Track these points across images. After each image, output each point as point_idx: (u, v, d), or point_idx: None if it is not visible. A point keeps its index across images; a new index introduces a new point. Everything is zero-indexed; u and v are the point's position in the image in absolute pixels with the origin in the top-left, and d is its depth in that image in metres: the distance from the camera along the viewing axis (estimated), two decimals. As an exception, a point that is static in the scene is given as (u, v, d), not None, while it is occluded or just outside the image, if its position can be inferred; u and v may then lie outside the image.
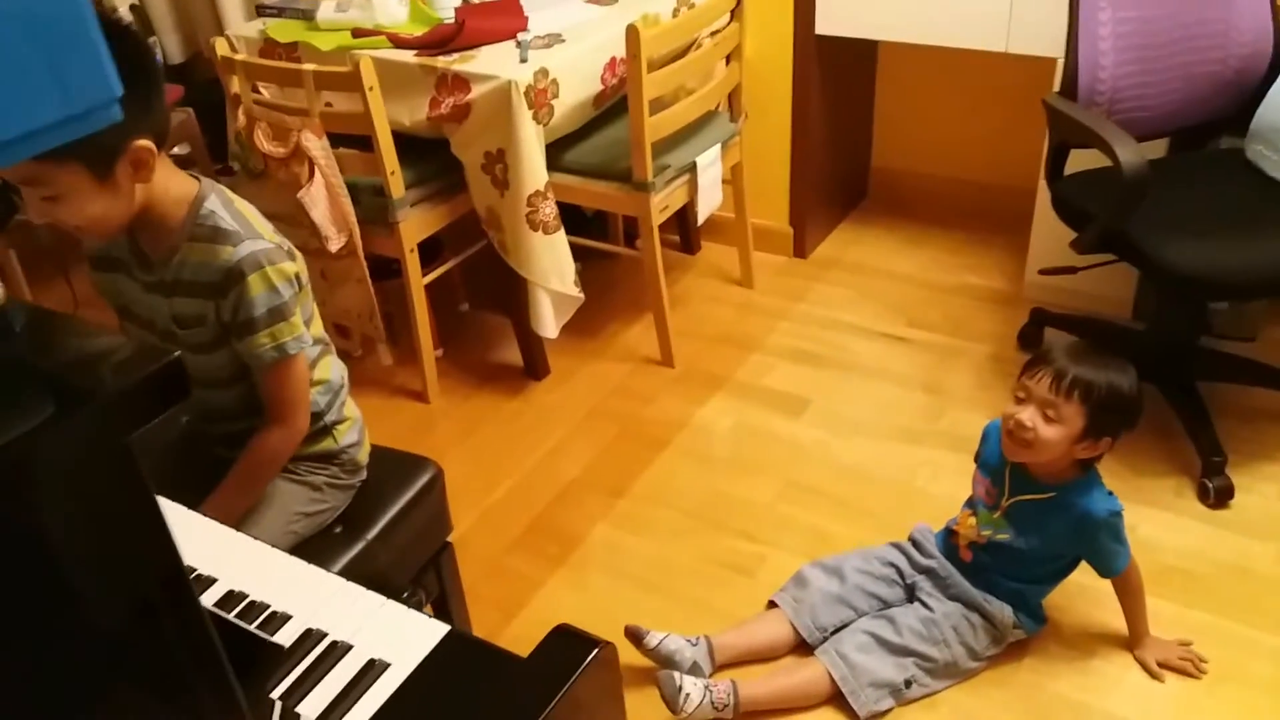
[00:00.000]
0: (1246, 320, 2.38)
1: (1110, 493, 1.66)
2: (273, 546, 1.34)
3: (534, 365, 2.59)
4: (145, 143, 1.19)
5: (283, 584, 1.00)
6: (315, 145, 2.24)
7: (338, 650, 0.90)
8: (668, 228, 3.07)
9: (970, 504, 1.79)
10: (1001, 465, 1.69)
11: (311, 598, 0.98)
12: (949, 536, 1.81)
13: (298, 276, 1.35)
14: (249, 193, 2.46)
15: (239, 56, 2.33)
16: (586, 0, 2.57)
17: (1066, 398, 1.57)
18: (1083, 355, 1.60)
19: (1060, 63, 2.07)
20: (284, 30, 2.49)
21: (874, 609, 1.78)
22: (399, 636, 0.91)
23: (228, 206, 1.31)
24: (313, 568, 1.05)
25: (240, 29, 2.59)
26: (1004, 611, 1.72)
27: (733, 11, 2.50)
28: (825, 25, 2.65)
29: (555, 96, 2.27)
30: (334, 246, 2.34)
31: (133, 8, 3.41)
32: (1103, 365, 1.59)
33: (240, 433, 1.38)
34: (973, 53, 2.50)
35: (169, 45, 3.48)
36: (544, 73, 2.22)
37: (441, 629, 0.91)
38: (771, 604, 1.85)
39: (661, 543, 2.08)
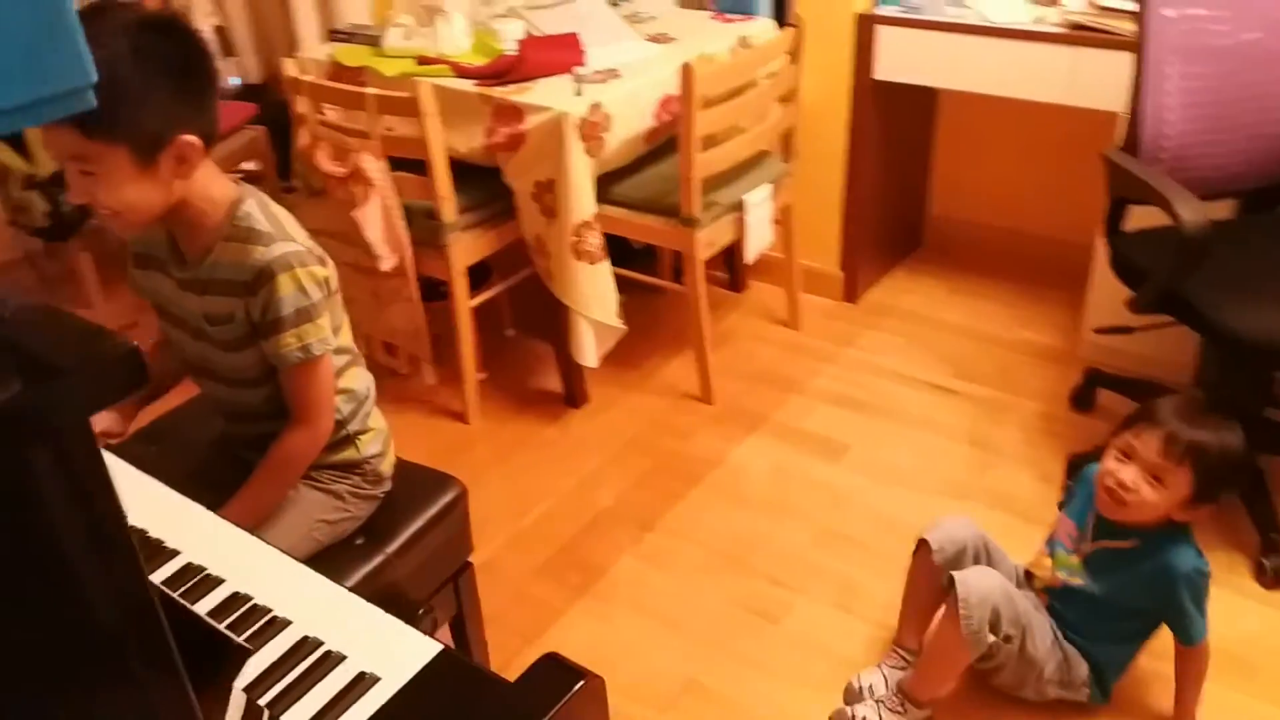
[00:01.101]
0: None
1: (1200, 552, 1.59)
2: (293, 552, 1.36)
3: (573, 393, 2.59)
4: (191, 138, 1.23)
5: (289, 590, 1.00)
6: (374, 167, 2.28)
7: (331, 660, 0.90)
8: (715, 265, 3.07)
9: (1049, 544, 1.73)
10: (1087, 509, 1.64)
11: (314, 606, 0.98)
12: (1024, 579, 1.76)
13: (327, 281, 1.37)
14: (308, 210, 2.54)
15: (306, 78, 2.39)
16: (647, 38, 2.60)
17: (1178, 464, 1.51)
18: (1195, 417, 1.54)
19: (1121, 117, 2.03)
20: (352, 55, 2.56)
21: None
22: (393, 651, 0.91)
23: (264, 209, 1.34)
24: (322, 578, 1.05)
25: (311, 52, 2.67)
26: (1081, 663, 1.66)
27: (790, 54, 2.51)
28: (883, 71, 2.65)
29: (607, 130, 2.30)
30: (386, 266, 2.38)
31: (216, 29, 3.54)
32: (1215, 428, 1.53)
33: (268, 435, 1.40)
34: (1034, 104, 2.47)
35: (248, 65, 3.60)
36: (597, 107, 2.25)
37: (435, 647, 0.90)
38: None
39: (686, 580, 2.06)
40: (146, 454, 1.57)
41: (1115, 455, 1.58)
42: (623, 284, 2.74)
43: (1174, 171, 1.99)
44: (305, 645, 0.92)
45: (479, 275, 2.64)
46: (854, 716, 1.67)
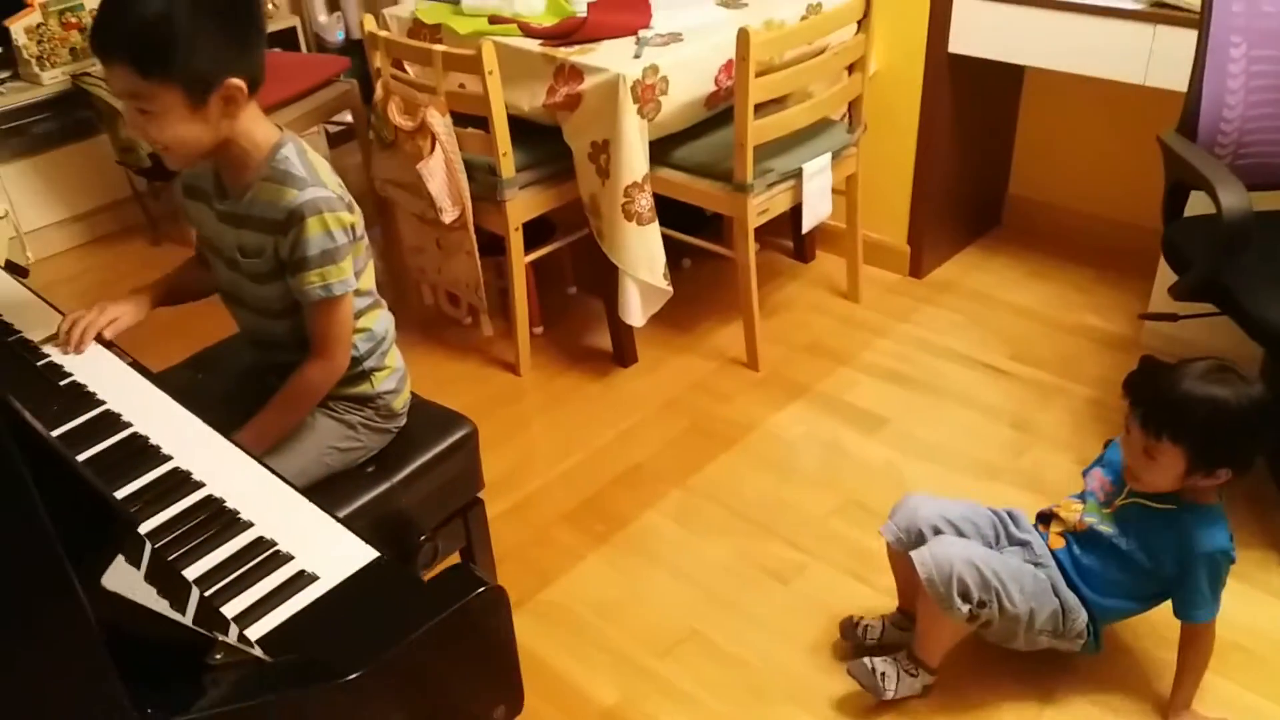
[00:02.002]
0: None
1: (1232, 536, 1.56)
2: (305, 473, 1.49)
3: (622, 352, 2.67)
4: (238, 82, 1.34)
5: (260, 499, 1.11)
6: (439, 122, 2.39)
7: (279, 559, 1.00)
8: (781, 233, 3.09)
9: (1080, 496, 1.73)
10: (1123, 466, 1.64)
11: (282, 516, 1.09)
12: (1041, 522, 1.75)
13: (353, 227, 1.46)
14: (381, 160, 2.68)
15: (383, 33, 2.51)
16: (717, 3, 2.62)
17: (1158, 439, 1.51)
18: (1179, 382, 1.50)
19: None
20: (432, 13, 2.67)
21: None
22: (335, 556, 1.00)
23: (301, 156, 1.45)
24: (300, 497, 1.14)
25: (395, 10, 2.78)
26: (1080, 613, 1.65)
27: (860, 22, 2.49)
28: (959, 44, 2.60)
29: (664, 93, 2.34)
30: (447, 218, 2.49)
31: (322, -15, 3.71)
32: (1207, 389, 1.48)
33: (290, 365, 1.52)
34: (1121, 85, 2.38)
35: (351, 21, 3.77)
36: (654, 69, 2.29)
37: (371, 554, 0.99)
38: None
39: (704, 537, 2.12)
40: (192, 379, 1.73)
41: (1124, 428, 1.57)
42: (689, 249, 2.80)
43: (1235, 157, 1.92)
44: (260, 545, 1.02)
45: (542, 232, 2.73)
46: (873, 668, 1.70)
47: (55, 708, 0.65)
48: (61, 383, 1.39)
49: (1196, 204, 2.02)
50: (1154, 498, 1.58)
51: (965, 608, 1.57)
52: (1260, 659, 1.76)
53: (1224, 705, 1.68)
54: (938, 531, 1.69)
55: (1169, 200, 2.03)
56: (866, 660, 1.71)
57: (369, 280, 1.56)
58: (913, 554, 1.61)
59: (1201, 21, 1.86)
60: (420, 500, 1.61)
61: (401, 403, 1.64)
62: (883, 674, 1.69)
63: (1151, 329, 2.43)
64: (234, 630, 0.87)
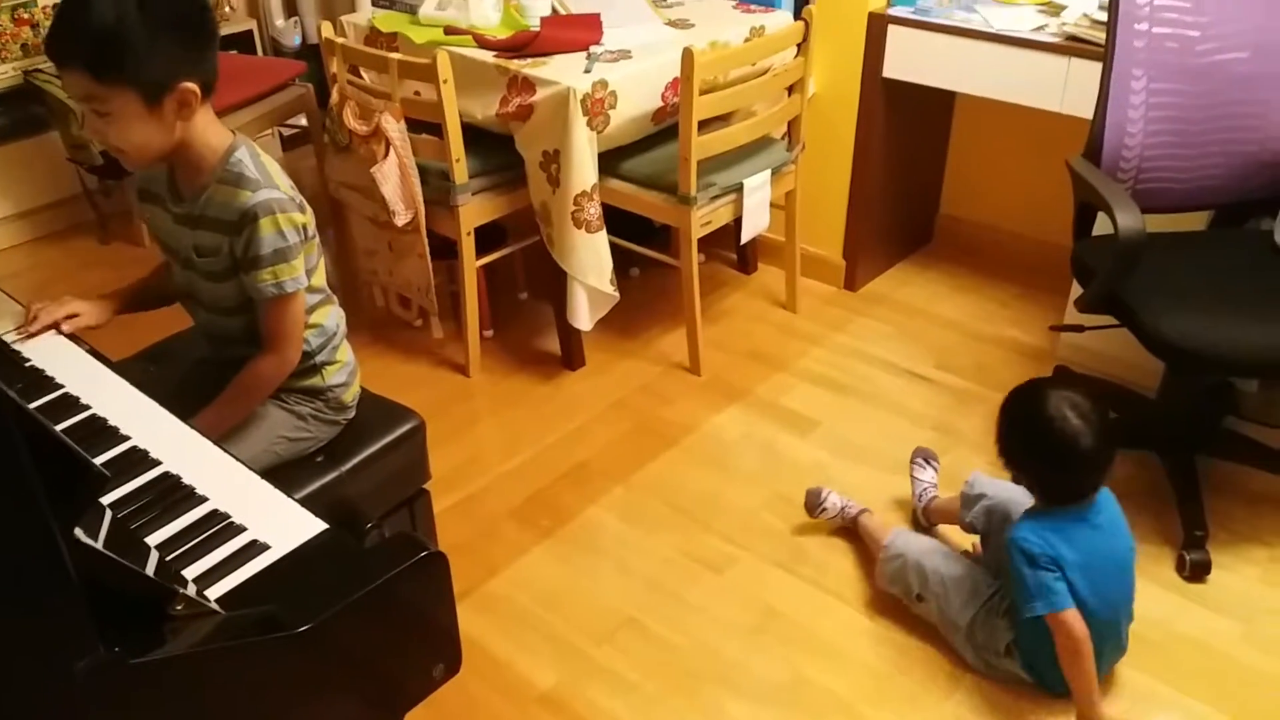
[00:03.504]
0: (1277, 408, 2.34)
1: (1046, 530, 1.67)
2: (254, 461, 1.55)
3: (570, 356, 2.76)
4: (191, 85, 1.41)
5: (216, 477, 1.18)
6: (393, 127, 2.47)
7: (233, 529, 1.08)
8: (725, 245, 3.21)
9: None
10: None
11: (234, 491, 1.16)
12: None
13: (305, 227, 1.54)
14: (335, 163, 2.75)
15: (339, 40, 2.59)
16: (667, 23, 2.73)
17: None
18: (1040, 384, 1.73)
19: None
20: (388, 21, 2.75)
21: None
22: (287, 527, 1.08)
23: (254, 159, 1.52)
24: (253, 475, 1.22)
25: (352, 17, 2.86)
26: (1001, 632, 1.77)
27: (799, 46, 2.61)
28: (893, 69, 2.74)
29: (612, 107, 2.44)
30: (400, 221, 2.56)
31: (279, -10, 3.76)
32: (1039, 396, 1.69)
33: (243, 359, 1.59)
34: (1041, 112, 2.53)
35: (308, 26, 3.83)
36: (603, 84, 2.40)
37: (319, 525, 1.07)
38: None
39: (645, 531, 2.21)
40: (145, 371, 1.79)
41: None
42: (635, 258, 2.90)
43: (1138, 182, 2.07)
44: (215, 516, 1.10)
45: (493, 237, 2.82)
46: (823, 496, 2.14)
47: (27, 637, 0.73)
48: (24, 365, 1.45)
49: (1105, 223, 2.16)
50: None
51: (896, 589, 1.84)
52: (1153, 644, 1.89)
53: (1131, 693, 1.80)
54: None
55: (1078, 220, 2.18)
56: (825, 489, 2.16)
57: (320, 278, 1.63)
58: (896, 529, 1.97)
59: (1106, 55, 2.00)
60: (368, 490, 1.68)
61: (351, 395, 1.71)
62: (830, 500, 2.13)
63: (1065, 340, 2.58)
64: (193, 589, 0.95)
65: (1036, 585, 1.65)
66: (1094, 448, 1.62)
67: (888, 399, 2.60)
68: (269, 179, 1.50)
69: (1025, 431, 1.69)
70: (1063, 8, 2.49)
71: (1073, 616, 1.64)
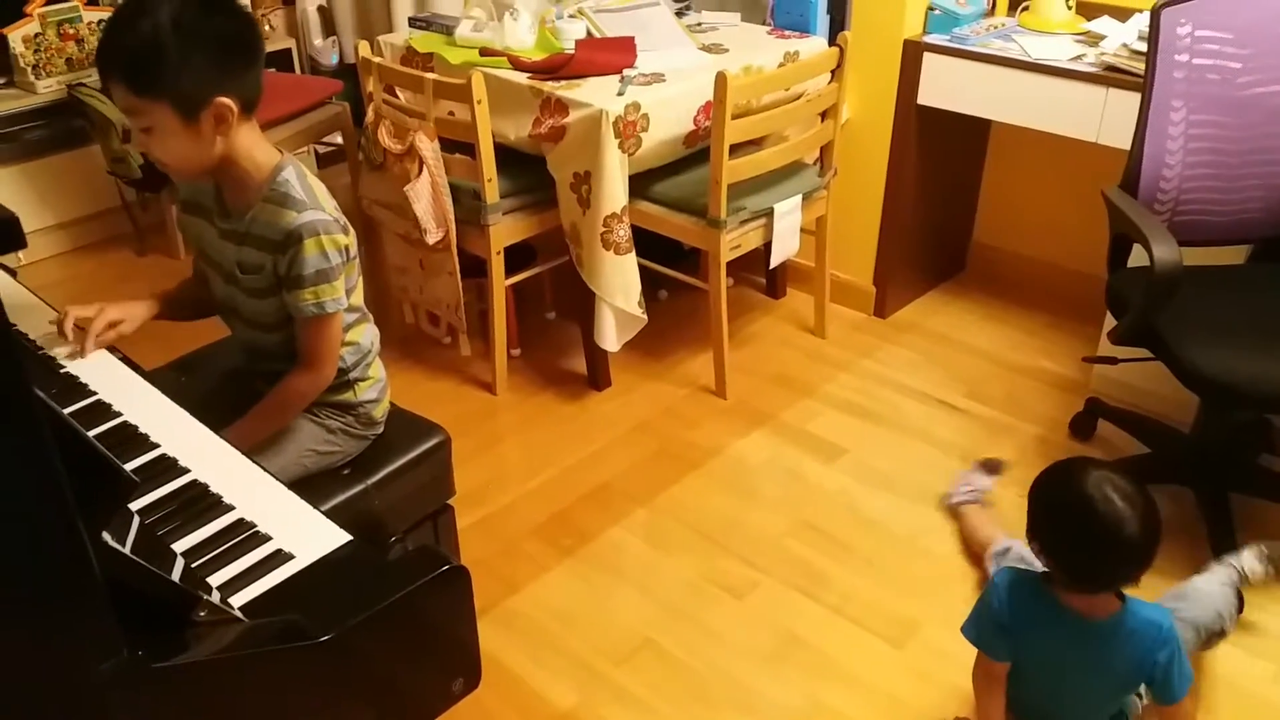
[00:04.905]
0: (1314, 445, 2.29)
1: (1013, 570, 1.59)
2: (283, 472, 1.56)
3: (596, 376, 2.76)
4: (227, 100, 1.43)
5: (243, 487, 1.19)
6: (427, 147, 2.49)
7: (258, 539, 1.08)
8: (755, 270, 3.20)
9: None
10: None
11: (262, 502, 1.17)
12: None
13: (347, 249, 1.55)
14: (370, 181, 2.78)
15: (376, 59, 2.62)
16: (701, 48, 2.75)
17: None
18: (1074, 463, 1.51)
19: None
20: (425, 42, 2.78)
21: None
22: (311, 538, 1.08)
23: (301, 179, 1.53)
24: (280, 485, 1.22)
25: (389, 37, 2.90)
26: None
27: (834, 72, 2.62)
28: (928, 96, 2.73)
29: (644, 130, 2.45)
30: (431, 240, 2.58)
31: (319, 9, 3.83)
32: (1078, 479, 1.45)
33: (279, 373, 1.60)
34: (1077, 142, 2.52)
35: (346, 45, 3.89)
36: (636, 107, 2.41)
37: (344, 536, 1.07)
38: None
39: (667, 554, 2.20)
40: (176, 380, 1.81)
41: None
42: (664, 281, 2.91)
43: (1173, 214, 2.04)
44: (241, 525, 1.10)
45: (523, 257, 2.83)
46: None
47: (54, 638, 0.73)
48: (58, 371, 1.47)
49: (1140, 255, 2.14)
50: None
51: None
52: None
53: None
54: None
55: (1113, 251, 2.16)
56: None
57: (358, 296, 1.65)
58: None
59: (1145, 86, 1.99)
60: (393, 503, 1.69)
61: (381, 411, 1.72)
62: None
63: (1098, 373, 2.55)
64: (217, 596, 0.95)
65: (975, 618, 1.59)
66: (1137, 536, 1.41)
67: (916, 427, 2.58)
68: (315, 200, 1.52)
69: (1059, 513, 1.48)
70: (1101, 37, 2.48)
71: (990, 669, 1.58)
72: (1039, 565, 1.62)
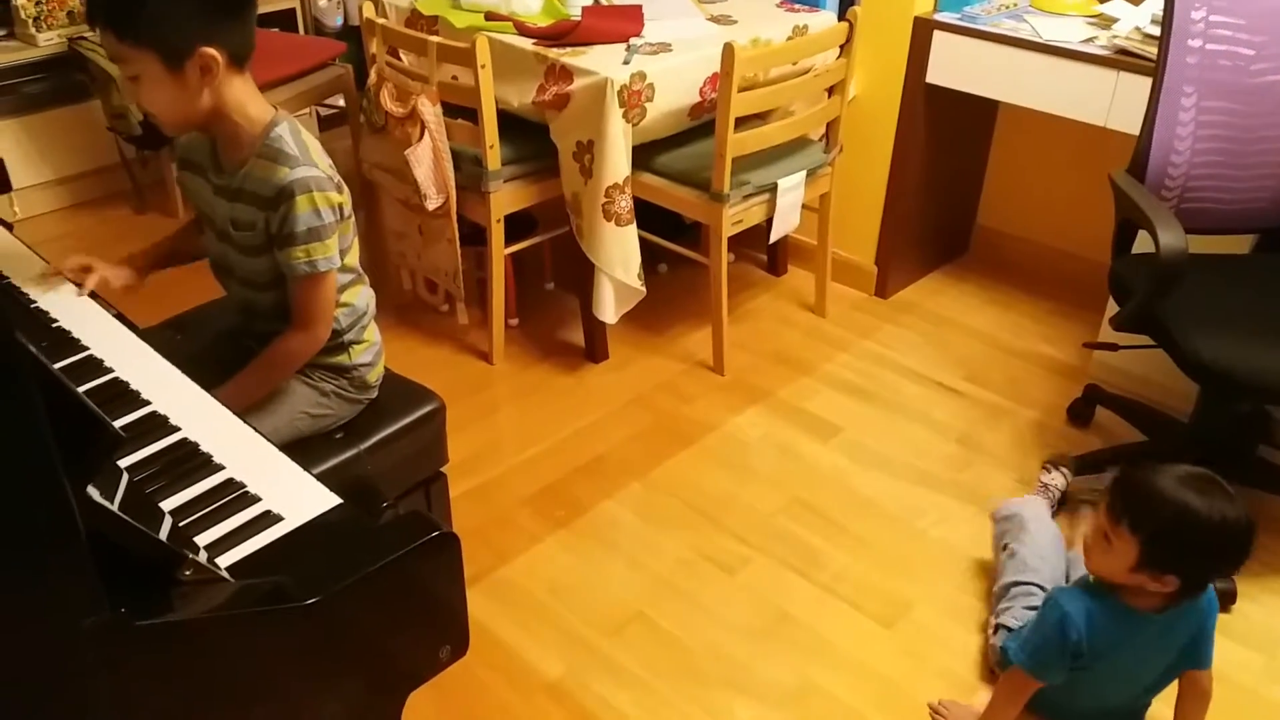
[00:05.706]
0: (1313, 437, 2.28)
1: (1081, 594, 1.55)
2: (275, 434, 1.55)
3: (594, 348, 2.74)
4: (212, 51, 1.41)
5: (234, 447, 1.18)
6: (429, 110, 2.46)
7: (247, 499, 1.07)
8: (755, 245, 3.18)
9: None
10: None
11: (251, 461, 1.16)
12: None
13: (340, 207, 1.53)
14: (369, 144, 2.75)
15: (381, 21, 2.59)
16: (709, 18, 2.71)
17: (1117, 524, 1.46)
18: (1158, 477, 1.44)
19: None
20: (430, 5, 2.74)
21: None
22: (302, 501, 1.07)
23: (295, 135, 1.51)
24: (271, 447, 1.21)
25: (398, -1, 2.85)
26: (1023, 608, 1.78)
27: (842, 47, 2.59)
28: (936, 75, 2.70)
29: (649, 100, 2.42)
30: (431, 205, 2.56)
31: (324, -30, 3.77)
32: (1184, 492, 1.41)
33: (273, 333, 1.59)
34: (1086, 125, 2.49)
35: (350, 6, 3.84)
36: (641, 76, 2.38)
37: (333, 499, 1.06)
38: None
39: (660, 528, 2.20)
40: (170, 339, 1.79)
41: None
42: (664, 254, 2.88)
43: (1180, 200, 2.03)
44: (230, 485, 1.09)
45: (524, 226, 2.81)
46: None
47: (34, 591, 0.72)
48: (50, 325, 1.45)
49: (1145, 241, 2.12)
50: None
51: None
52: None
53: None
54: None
55: (1118, 236, 2.14)
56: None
57: (353, 257, 1.63)
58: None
59: (1157, 70, 1.96)
60: (385, 469, 1.68)
61: (375, 376, 1.71)
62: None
63: (1098, 359, 2.54)
64: (204, 556, 0.94)
65: (1038, 649, 1.55)
66: (1245, 519, 1.41)
67: (913, 408, 2.57)
68: (308, 156, 1.50)
69: (1169, 537, 1.42)
70: (1114, 20, 2.45)
71: (1029, 688, 1.58)
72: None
